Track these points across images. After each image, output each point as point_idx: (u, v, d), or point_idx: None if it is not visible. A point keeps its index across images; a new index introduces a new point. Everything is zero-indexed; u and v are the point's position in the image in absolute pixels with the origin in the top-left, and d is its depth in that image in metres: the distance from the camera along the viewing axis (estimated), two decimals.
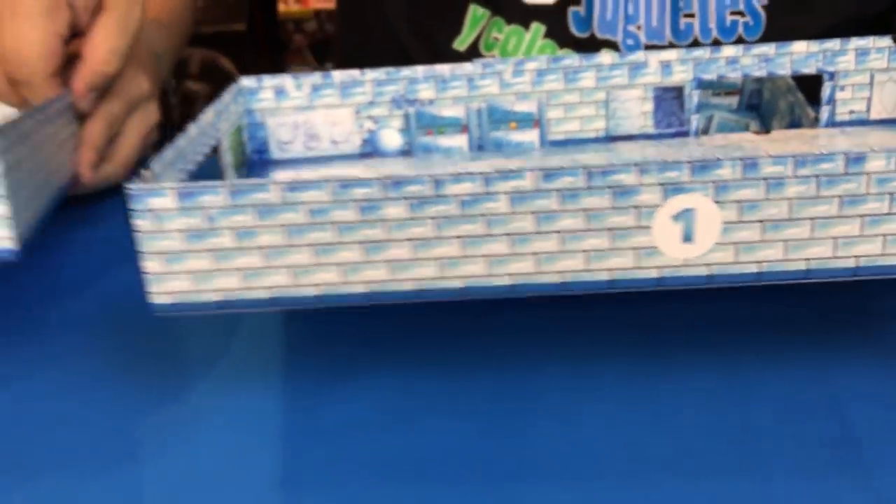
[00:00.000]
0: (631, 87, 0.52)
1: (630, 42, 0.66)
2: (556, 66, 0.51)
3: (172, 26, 0.68)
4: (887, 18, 0.68)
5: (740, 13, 0.65)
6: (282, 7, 1.80)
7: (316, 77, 0.52)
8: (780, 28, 0.64)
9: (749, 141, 0.51)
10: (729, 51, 0.51)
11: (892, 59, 0.51)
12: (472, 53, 0.68)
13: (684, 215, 0.31)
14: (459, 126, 0.53)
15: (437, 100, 0.52)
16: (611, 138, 0.53)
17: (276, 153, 0.53)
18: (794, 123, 0.52)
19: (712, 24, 0.65)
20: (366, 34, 0.75)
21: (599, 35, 0.66)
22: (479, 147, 0.53)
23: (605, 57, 0.51)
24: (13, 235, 0.36)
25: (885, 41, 0.50)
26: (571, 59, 0.51)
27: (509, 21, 0.67)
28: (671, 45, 0.66)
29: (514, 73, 0.52)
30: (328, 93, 0.52)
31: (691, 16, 0.65)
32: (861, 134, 0.50)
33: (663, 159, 0.31)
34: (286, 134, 0.53)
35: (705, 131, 0.55)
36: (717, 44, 0.64)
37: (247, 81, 0.52)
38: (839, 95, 0.51)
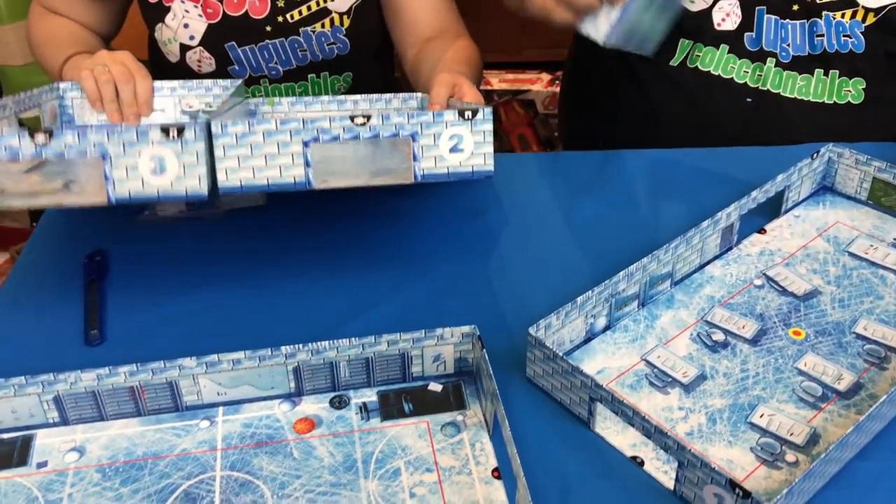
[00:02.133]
0: (712, 234, 0.79)
1: (783, 54, 1.00)
2: (684, 239, 0.76)
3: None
4: None
5: (849, 35, 0.99)
6: None
7: (567, 307, 0.68)
8: (875, 45, 0.99)
9: None
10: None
11: None
12: (682, 66, 1.04)
13: None
14: (636, 296, 0.75)
15: (627, 286, 0.73)
16: (702, 265, 0.80)
17: None
18: None
19: (834, 41, 0.99)
20: (600, 60, 1.04)
21: (766, 48, 1.00)
22: (643, 304, 0.76)
23: (705, 222, 0.77)
24: None
25: None
26: (694, 230, 0.76)
27: (706, 44, 1.02)
28: (809, 55, 1.00)
29: (665, 252, 0.74)
30: (573, 313, 0.69)
31: (821, 36, 0.99)
32: None
33: None
34: None
35: None
36: (837, 54, 0.99)
37: None
38: None
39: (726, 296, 0.77)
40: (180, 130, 0.64)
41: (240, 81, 0.90)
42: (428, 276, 0.81)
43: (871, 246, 0.83)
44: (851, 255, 0.82)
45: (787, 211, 0.88)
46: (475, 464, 0.62)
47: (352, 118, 0.67)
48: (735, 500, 0.55)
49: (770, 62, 0.99)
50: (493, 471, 0.62)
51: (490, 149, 0.70)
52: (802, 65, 0.99)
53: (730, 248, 0.83)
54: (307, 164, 0.67)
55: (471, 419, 0.66)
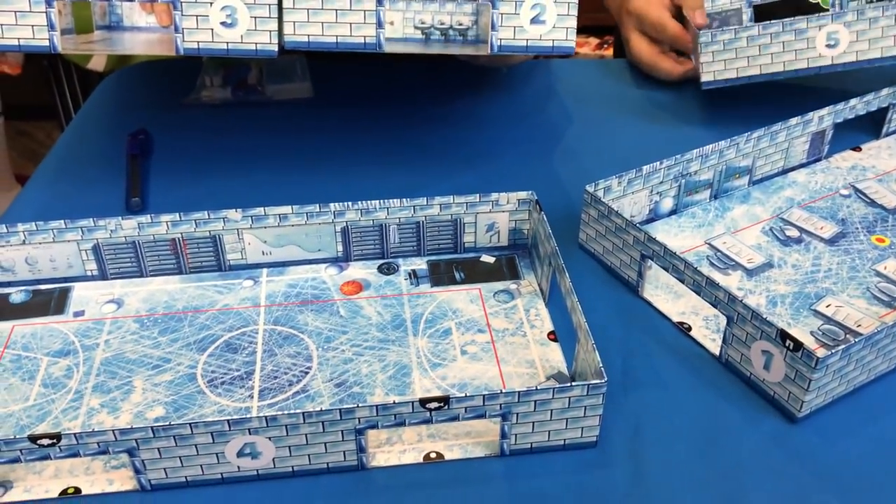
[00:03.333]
0: (801, 136, 0.74)
1: None
2: (768, 132, 0.71)
3: None
4: None
5: None
6: None
7: (630, 174, 0.65)
8: None
9: None
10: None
11: None
12: None
13: None
14: (708, 184, 0.70)
15: (699, 170, 0.69)
16: (785, 170, 0.75)
17: None
18: None
19: None
20: None
21: None
22: (716, 196, 0.71)
23: (793, 119, 0.72)
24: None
25: None
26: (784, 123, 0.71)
27: None
28: None
29: (746, 141, 0.70)
30: (636, 182, 0.66)
31: None
32: None
33: None
34: None
35: None
36: None
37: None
38: None
39: (807, 200, 0.72)
40: None
41: None
42: (483, 166, 0.78)
43: None
44: None
45: (888, 134, 0.81)
46: (530, 327, 0.60)
47: None
48: (784, 354, 0.50)
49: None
50: (549, 333, 0.59)
51: (573, 24, 0.66)
52: None
53: (818, 160, 0.77)
54: (380, 24, 0.65)
55: (525, 288, 0.63)
